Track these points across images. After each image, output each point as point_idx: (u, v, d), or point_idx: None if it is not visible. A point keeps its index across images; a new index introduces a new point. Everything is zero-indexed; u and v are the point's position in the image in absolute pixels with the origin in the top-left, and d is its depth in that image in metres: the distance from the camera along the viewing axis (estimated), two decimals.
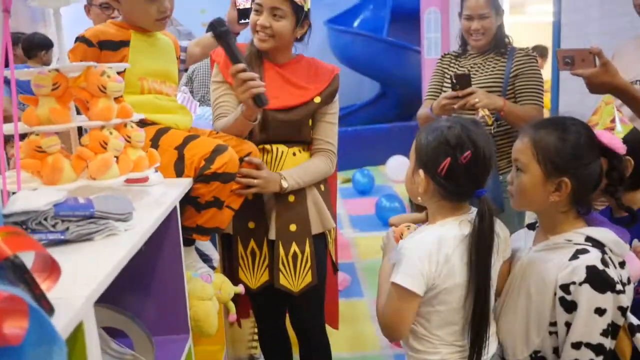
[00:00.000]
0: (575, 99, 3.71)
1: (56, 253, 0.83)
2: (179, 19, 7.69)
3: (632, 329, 1.23)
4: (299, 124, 1.74)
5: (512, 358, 1.29)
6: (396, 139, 6.67)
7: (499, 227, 1.29)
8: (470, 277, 1.21)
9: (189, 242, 1.45)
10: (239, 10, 1.83)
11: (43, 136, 0.99)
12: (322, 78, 1.77)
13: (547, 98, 4.00)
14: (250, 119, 1.58)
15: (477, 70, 2.24)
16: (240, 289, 1.58)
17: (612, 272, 1.16)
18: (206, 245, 1.61)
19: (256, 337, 2.49)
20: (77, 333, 0.64)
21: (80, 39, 1.37)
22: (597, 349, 1.15)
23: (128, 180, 1.16)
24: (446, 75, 2.31)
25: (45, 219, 0.83)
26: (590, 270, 1.15)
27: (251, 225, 1.76)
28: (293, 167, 1.73)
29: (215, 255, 1.64)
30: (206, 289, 1.34)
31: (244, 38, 1.80)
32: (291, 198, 1.74)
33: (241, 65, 1.51)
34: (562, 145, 1.21)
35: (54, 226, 0.84)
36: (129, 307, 1.15)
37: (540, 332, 1.23)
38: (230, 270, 1.82)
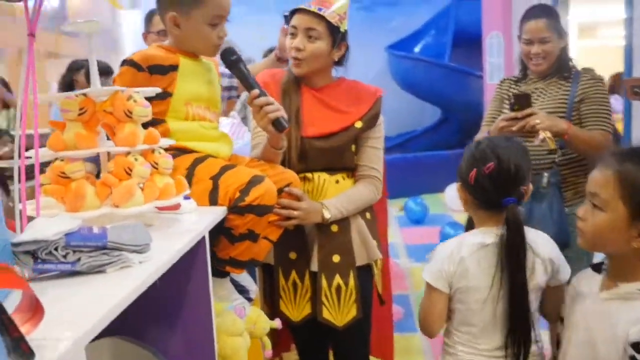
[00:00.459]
0: None
1: (64, 285, 0.80)
2: (240, 46, 7.90)
3: None
4: (341, 151, 1.67)
5: None
6: (455, 165, 6.45)
7: (544, 249, 1.37)
8: (496, 283, 1.31)
9: (223, 274, 1.39)
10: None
11: (67, 162, 0.97)
12: (364, 101, 1.69)
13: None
14: (276, 147, 1.51)
15: (539, 95, 2.10)
16: (277, 323, 1.50)
17: None
18: (243, 275, 1.55)
19: None
20: None
21: (129, 63, 1.33)
22: None
23: (160, 207, 1.12)
24: (505, 100, 2.19)
25: (56, 249, 0.79)
26: None
27: (292, 255, 1.69)
28: (336, 196, 1.65)
29: (252, 286, 1.58)
30: (237, 323, 1.27)
31: None
32: (334, 228, 1.66)
33: (255, 92, 1.44)
34: None
35: (64, 256, 0.80)
36: (152, 340, 1.10)
37: None
38: (272, 302, 1.75)
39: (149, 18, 2.58)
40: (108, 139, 1.10)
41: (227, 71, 1.77)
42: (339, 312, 1.67)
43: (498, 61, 6.33)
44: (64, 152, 0.96)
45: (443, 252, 1.40)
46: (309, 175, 1.65)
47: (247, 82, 1.46)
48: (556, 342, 1.35)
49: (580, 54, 8.03)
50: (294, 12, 1.65)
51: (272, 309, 1.75)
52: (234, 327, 1.26)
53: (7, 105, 3.43)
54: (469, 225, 1.52)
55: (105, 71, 3.90)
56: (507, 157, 1.33)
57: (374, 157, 1.72)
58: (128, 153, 1.00)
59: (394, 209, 6.05)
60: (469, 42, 7.32)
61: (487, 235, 1.36)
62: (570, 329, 1.21)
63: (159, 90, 1.16)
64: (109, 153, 1.06)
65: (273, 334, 1.53)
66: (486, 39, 6.56)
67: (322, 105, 1.67)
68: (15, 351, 0.53)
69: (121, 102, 0.98)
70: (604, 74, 2.62)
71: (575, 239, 1.26)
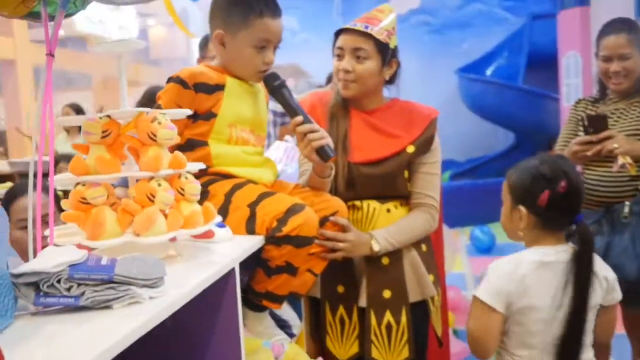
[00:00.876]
0: None
1: (66, 321, 0.73)
2: (310, 72, 7.95)
3: None
4: (392, 177, 1.54)
5: None
6: None
7: (600, 267, 1.39)
8: (559, 302, 1.31)
9: (261, 308, 1.31)
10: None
11: (88, 187, 0.92)
12: (417, 123, 1.56)
13: None
14: (322, 175, 1.42)
15: (619, 117, 1.92)
16: None
17: None
18: (285, 308, 1.46)
19: None
20: None
21: (175, 80, 1.28)
22: None
23: (194, 235, 1.06)
24: (580, 122, 2.00)
25: (59, 281, 0.73)
26: None
27: (340, 289, 1.58)
28: (386, 226, 1.53)
29: (296, 321, 1.48)
30: None
31: None
32: (385, 260, 1.53)
33: (299, 118, 1.35)
34: None
35: (68, 289, 0.74)
36: None
37: None
38: (318, 338, 1.64)
39: (204, 43, 2.59)
40: None
41: None
42: (390, 353, 1.54)
43: (576, 82, 6.00)
44: (84, 176, 0.91)
45: (500, 270, 1.38)
46: (357, 203, 1.54)
47: (291, 108, 1.38)
48: None
49: None
50: (339, 32, 1.56)
51: (318, 345, 1.64)
52: None
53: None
54: None
55: None
56: (574, 173, 1.37)
57: (429, 183, 1.59)
58: (151, 178, 0.94)
59: (464, 237, 5.80)
60: (544, 63, 7.02)
61: (546, 254, 1.36)
62: None
63: (189, 112, 1.10)
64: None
65: None
66: (562, 59, 6.25)
67: (371, 129, 1.56)
68: None
69: (145, 124, 0.93)
70: None
71: None
